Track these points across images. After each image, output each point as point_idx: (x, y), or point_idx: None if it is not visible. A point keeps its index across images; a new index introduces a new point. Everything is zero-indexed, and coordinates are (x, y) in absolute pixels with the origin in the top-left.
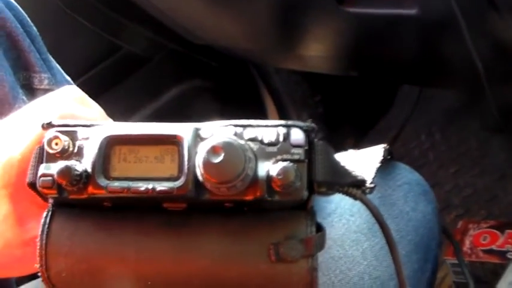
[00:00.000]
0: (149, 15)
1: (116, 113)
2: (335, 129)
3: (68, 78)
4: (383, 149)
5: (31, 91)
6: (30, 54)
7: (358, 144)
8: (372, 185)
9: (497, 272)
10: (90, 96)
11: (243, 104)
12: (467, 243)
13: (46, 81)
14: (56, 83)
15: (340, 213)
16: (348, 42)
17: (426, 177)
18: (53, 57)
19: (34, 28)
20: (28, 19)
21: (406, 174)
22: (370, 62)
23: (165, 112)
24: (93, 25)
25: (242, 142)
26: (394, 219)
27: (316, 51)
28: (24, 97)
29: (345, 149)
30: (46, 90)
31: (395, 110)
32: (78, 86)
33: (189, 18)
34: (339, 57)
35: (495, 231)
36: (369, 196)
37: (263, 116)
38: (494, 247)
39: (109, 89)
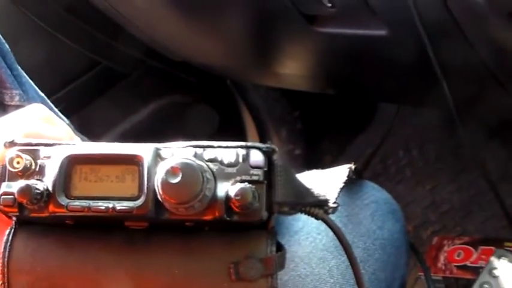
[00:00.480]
0: (128, 32)
1: (94, 127)
2: (314, 145)
3: (42, 94)
4: (348, 169)
5: (2, 107)
6: (0, 70)
7: (336, 160)
8: (335, 205)
9: None
10: (69, 110)
11: (222, 120)
12: (441, 259)
13: (17, 98)
14: (28, 99)
15: (307, 231)
16: (322, 61)
17: (403, 194)
18: (31, 73)
19: (6, 45)
20: (0, 36)
21: (373, 193)
22: (345, 81)
23: (144, 127)
24: (72, 41)
25: (201, 163)
26: (361, 237)
27: (292, 69)
28: None
29: (323, 164)
30: (17, 107)
31: (374, 126)
32: (56, 100)
33: (167, 36)
34: (314, 76)
35: (469, 247)
36: (336, 214)
37: (242, 131)
38: (468, 263)
39: (88, 103)
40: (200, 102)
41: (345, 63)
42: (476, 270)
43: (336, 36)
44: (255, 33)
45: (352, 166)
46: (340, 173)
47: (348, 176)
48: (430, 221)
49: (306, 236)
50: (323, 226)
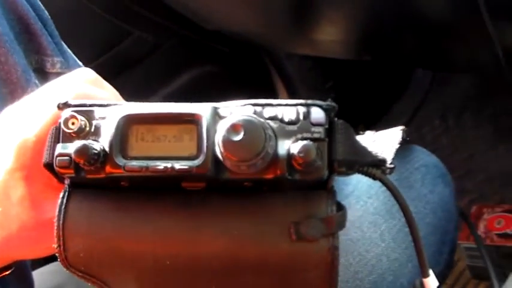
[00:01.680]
0: (160, 1)
1: (126, 99)
2: (347, 115)
3: (80, 63)
4: (401, 131)
5: (43, 75)
6: (42, 37)
7: (370, 130)
8: (392, 166)
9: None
10: None
11: (255, 90)
12: (481, 227)
13: (58, 65)
14: (69, 67)
15: (358, 195)
16: (362, 25)
17: None
18: (64, 43)
19: (46, 12)
20: (40, 3)
21: (423, 156)
22: (383, 45)
23: (176, 98)
24: (104, 11)
25: (262, 120)
26: (411, 201)
27: (330, 35)
28: (36, 81)
29: (357, 134)
30: (58, 74)
31: (408, 96)
32: None
33: (201, 3)
34: (353, 41)
35: (510, 215)
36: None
37: None
38: (508, 231)
39: (119, 75)
40: (232, 72)
41: (385, 26)
42: None
43: None
44: None
45: (405, 128)
46: (393, 135)
47: (401, 138)
48: (466, 190)
49: (356, 199)
50: (373, 190)
